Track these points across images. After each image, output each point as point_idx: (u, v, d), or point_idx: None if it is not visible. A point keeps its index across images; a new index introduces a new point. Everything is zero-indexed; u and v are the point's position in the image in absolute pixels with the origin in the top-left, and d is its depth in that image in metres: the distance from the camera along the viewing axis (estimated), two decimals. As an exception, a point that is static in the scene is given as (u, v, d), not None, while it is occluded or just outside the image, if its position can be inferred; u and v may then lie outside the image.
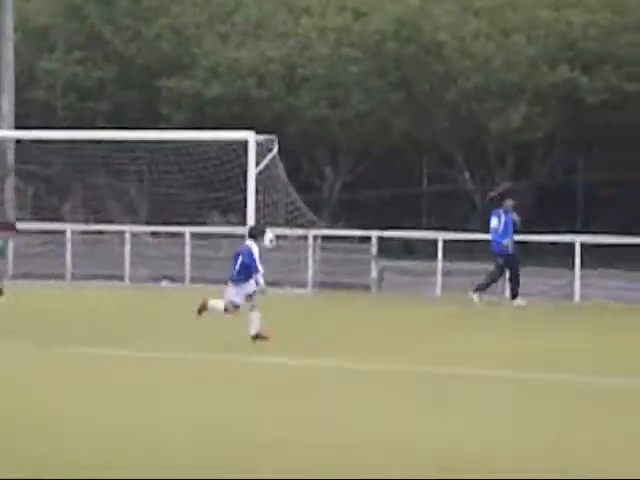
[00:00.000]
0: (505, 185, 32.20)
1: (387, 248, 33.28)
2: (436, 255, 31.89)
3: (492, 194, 30.86)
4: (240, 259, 19.43)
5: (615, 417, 13.84)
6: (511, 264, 28.86)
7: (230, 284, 19.55)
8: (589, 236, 31.47)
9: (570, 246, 30.70)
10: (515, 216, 28.80)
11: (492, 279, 29.08)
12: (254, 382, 16.14)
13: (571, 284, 30.51)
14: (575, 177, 38.26)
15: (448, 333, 23.04)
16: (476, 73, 36.84)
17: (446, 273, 31.79)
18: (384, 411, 13.76)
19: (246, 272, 19.34)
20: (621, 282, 30.81)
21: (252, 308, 19.40)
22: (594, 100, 35.54)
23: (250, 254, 19.42)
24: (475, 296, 28.75)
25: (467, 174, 38.18)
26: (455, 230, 33.47)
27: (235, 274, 19.44)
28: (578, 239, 30.91)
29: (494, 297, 29.52)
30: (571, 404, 14.75)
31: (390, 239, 33.56)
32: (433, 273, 31.93)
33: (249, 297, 19.41)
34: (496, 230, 28.77)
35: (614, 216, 36.95)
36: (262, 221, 20.94)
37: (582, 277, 30.48)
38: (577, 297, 30.40)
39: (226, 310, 19.51)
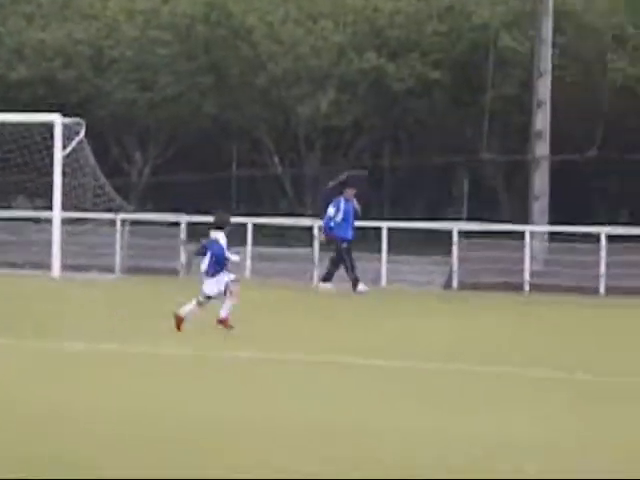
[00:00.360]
0: (346, 174, 32.23)
1: (196, 233, 33.29)
2: (246, 240, 32.11)
3: (332, 183, 30.85)
4: (209, 253, 19.58)
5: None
6: (343, 251, 28.93)
7: (206, 278, 19.60)
8: (395, 222, 32.08)
9: (379, 231, 31.33)
10: (356, 204, 28.91)
11: (335, 266, 29.11)
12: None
13: (378, 270, 31.14)
14: (382, 162, 38.76)
15: (251, 317, 23.21)
16: (285, 58, 37.03)
17: (256, 257, 32.06)
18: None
19: (218, 264, 19.52)
20: (416, 267, 31.63)
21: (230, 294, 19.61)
22: (400, 87, 36.07)
23: (219, 246, 19.63)
24: (329, 285, 28.82)
25: (276, 159, 38.39)
26: (265, 215, 33.76)
27: (208, 268, 19.54)
28: (385, 225, 31.54)
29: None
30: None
31: (199, 224, 33.56)
32: (243, 258, 32.12)
33: (225, 286, 19.60)
34: (331, 218, 28.78)
35: (419, 201, 37.71)
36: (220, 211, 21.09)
37: (388, 262, 31.16)
38: (384, 282, 31.04)
39: (200, 305, 19.57)
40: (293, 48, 37.02)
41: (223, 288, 19.48)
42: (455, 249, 31.39)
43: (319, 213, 31.20)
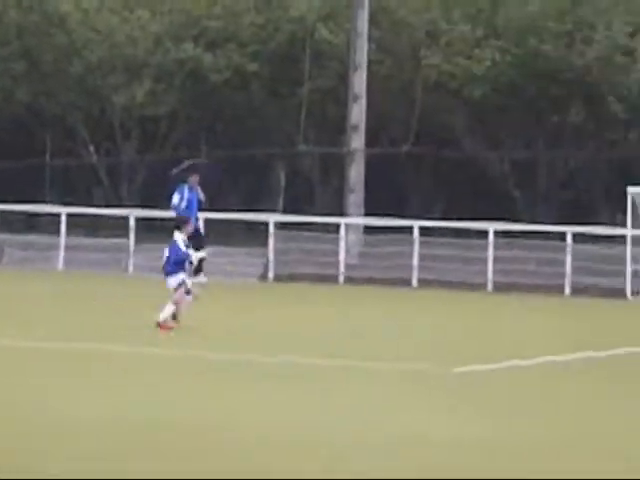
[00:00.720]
0: (191, 161, 31.69)
1: (8, 222, 32.91)
2: (59, 231, 31.79)
3: (176, 170, 30.31)
4: (166, 253, 20.01)
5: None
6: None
7: (165, 277, 19.90)
8: (213, 213, 32.00)
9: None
10: (200, 193, 28.21)
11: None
12: None
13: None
14: (199, 154, 38.63)
15: (63, 309, 23.05)
16: (100, 46, 36.73)
17: (70, 248, 31.71)
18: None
19: (176, 264, 19.82)
20: (233, 258, 31.72)
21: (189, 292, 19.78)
22: (217, 78, 36.02)
23: (175, 247, 19.91)
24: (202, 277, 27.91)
25: (92, 148, 37.99)
26: (79, 205, 33.46)
27: (165, 267, 19.94)
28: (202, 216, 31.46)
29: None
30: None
31: (12, 212, 33.16)
32: (56, 248, 31.80)
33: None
34: (177, 207, 28.11)
35: (237, 193, 37.75)
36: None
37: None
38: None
39: (188, 293, 19.74)
40: (109, 37, 36.76)
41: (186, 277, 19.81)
42: (271, 241, 31.53)
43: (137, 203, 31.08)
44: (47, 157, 38.49)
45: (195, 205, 28.03)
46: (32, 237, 32.51)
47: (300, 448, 11.02)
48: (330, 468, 10.17)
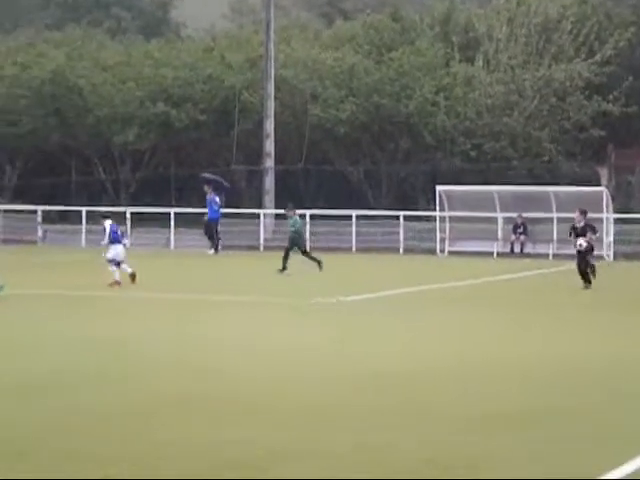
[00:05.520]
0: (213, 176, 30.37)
1: (50, 217, 32.54)
2: (81, 221, 31.32)
3: (208, 176, 29.13)
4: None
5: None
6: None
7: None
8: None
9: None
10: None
11: None
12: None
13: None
14: (169, 172, 38.18)
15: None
16: (105, 107, 36.34)
17: (89, 232, 31.23)
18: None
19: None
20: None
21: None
22: (180, 125, 35.66)
23: (104, 230, 18.60)
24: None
25: (101, 169, 37.48)
26: (93, 205, 32.84)
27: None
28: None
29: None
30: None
31: (51, 211, 32.82)
32: (80, 232, 31.41)
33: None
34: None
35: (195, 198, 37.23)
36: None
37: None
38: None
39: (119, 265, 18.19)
40: (110, 100, 36.39)
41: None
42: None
43: (130, 203, 30.51)
44: (72, 176, 37.99)
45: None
46: (65, 226, 32.11)
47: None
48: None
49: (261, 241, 31.15)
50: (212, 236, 27.96)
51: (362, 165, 35.59)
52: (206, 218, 28.34)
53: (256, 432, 7.16)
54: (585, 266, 17.90)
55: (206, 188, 28.14)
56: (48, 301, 15.70)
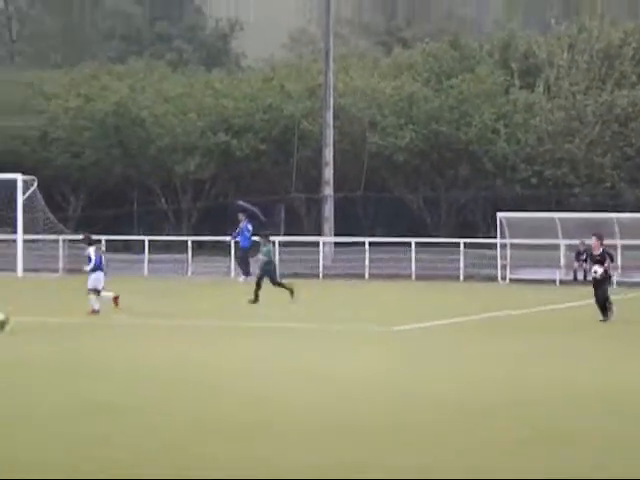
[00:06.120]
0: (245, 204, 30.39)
1: (113, 245, 32.79)
2: (144, 250, 31.72)
3: (242, 204, 29.19)
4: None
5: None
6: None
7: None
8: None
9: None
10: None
11: None
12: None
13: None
14: (228, 202, 38.45)
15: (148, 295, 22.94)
16: (166, 137, 36.81)
17: (150, 261, 31.58)
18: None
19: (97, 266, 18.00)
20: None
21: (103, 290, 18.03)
22: (240, 154, 36.12)
23: (89, 257, 18.05)
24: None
25: (163, 199, 38.04)
26: (155, 234, 33.34)
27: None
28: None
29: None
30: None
31: (114, 240, 33.14)
32: (143, 261, 31.74)
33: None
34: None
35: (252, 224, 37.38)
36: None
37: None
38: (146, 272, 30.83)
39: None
40: (171, 131, 36.85)
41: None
42: (277, 252, 31.29)
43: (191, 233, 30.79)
44: (135, 205, 38.49)
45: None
46: (128, 255, 32.43)
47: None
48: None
49: (320, 268, 31.15)
50: (246, 264, 27.90)
51: (421, 192, 35.50)
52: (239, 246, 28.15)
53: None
54: (603, 298, 17.39)
55: (240, 216, 28.07)
56: (106, 329, 15.84)
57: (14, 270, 30.22)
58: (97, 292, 17.78)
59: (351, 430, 7.92)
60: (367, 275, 30.58)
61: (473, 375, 10.96)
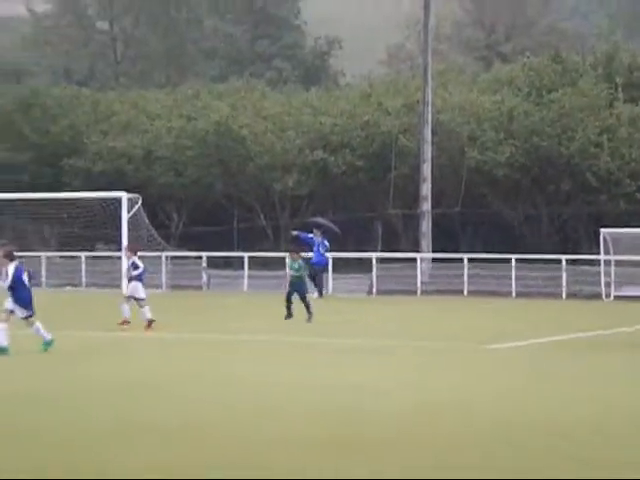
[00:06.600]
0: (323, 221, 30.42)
1: (214, 262, 33.40)
2: (243, 267, 32.11)
3: (322, 221, 29.39)
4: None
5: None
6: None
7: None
8: (336, 253, 31.83)
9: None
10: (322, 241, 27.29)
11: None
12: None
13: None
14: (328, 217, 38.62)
15: (246, 312, 23.16)
16: (265, 155, 37.15)
17: (250, 277, 32.02)
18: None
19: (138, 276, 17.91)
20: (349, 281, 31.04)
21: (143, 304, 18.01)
22: (337, 171, 36.18)
23: (134, 265, 18.09)
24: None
25: (262, 216, 38.34)
26: (255, 251, 33.83)
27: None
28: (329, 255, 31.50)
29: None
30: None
31: (214, 257, 33.73)
32: (243, 277, 32.15)
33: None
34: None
35: (350, 240, 37.49)
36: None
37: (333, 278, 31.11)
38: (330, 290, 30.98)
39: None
40: (270, 149, 37.11)
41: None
42: (374, 269, 31.42)
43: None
44: (235, 223, 38.96)
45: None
46: (228, 272, 32.91)
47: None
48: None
49: (418, 285, 31.01)
50: (319, 280, 27.68)
51: (521, 208, 34.93)
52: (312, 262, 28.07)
53: None
54: None
55: (315, 232, 28.03)
56: (196, 344, 16.02)
57: (119, 287, 30.90)
58: (136, 300, 17.74)
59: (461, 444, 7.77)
60: (465, 292, 30.26)
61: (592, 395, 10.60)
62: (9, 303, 14.10)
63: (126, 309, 17.88)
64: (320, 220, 29.39)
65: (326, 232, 27.96)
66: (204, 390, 10.68)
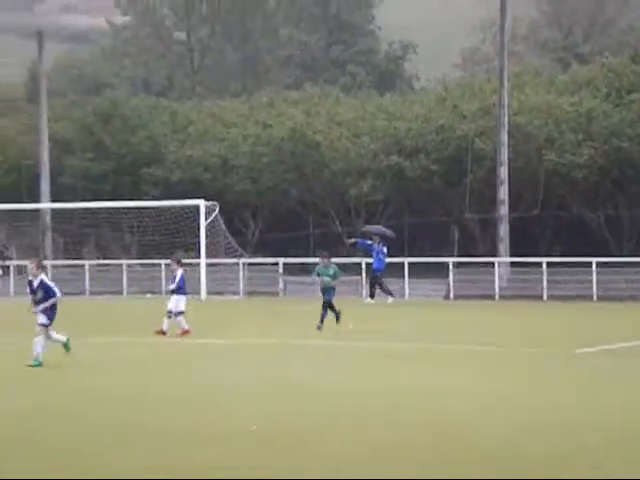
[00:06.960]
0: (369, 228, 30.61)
1: (290, 268, 33.51)
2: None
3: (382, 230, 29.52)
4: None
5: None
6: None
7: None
8: (412, 258, 31.65)
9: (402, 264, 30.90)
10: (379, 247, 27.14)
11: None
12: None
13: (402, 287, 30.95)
14: (403, 222, 38.53)
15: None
16: (340, 161, 37.19)
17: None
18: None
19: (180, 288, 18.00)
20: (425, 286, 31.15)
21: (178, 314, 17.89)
22: (412, 175, 35.99)
23: (175, 278, 18.07)
24: (371, 300, 27.15)
25: (337, 222, 38.37)
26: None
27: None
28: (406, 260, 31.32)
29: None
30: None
31: (290, 263, 33.80)
32: (317, 283, 32.06)
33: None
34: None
35: (426, 244, 37.19)
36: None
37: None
38: (407, 295, 30.81)
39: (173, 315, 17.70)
40: (345, 155, 37.17)
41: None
42: (451, 274, 31.18)
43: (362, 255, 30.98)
44: (310, 228, 39.07)
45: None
46: (303, 278, 32.94)
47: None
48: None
49: (496, 290, 30.62)
50: (381, 285, 27.34)
51: (602, 210, 34.27)
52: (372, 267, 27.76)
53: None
54: None
55: (374, 238, 27.71)
56: (267, 349, 16.07)
57: (197, 293, 31.26)
58: (177, 314, 17.70)
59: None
60: (545, 296, 29.78)
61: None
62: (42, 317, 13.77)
63: (182, 321, 17.90)
64: (372, 228, 29.19)
65: (384, 238, 27.87)
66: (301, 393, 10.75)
